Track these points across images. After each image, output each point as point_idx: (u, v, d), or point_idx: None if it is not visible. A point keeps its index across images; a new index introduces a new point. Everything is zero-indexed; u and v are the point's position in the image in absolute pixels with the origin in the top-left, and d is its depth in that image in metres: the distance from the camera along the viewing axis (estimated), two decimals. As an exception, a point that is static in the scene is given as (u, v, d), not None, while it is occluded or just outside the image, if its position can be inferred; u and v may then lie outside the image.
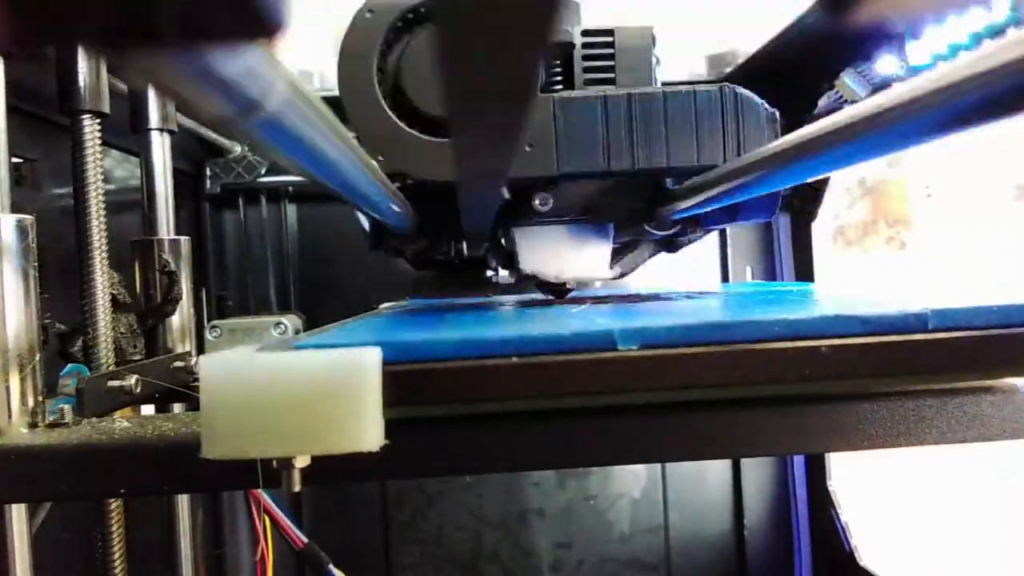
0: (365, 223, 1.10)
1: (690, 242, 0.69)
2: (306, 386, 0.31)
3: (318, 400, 0.31)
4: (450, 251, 0.69)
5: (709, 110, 0.56)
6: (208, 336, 0.99)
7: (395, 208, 0.49)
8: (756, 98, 0.57)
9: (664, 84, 0.59)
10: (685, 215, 0.58)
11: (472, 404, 0.35)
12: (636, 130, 0.55)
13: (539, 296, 0.73)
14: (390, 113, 0.54)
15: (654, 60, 0.60)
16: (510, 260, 0.66)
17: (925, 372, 0.34)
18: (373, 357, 0.31)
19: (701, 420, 0.38)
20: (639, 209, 0.61)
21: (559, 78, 0.59)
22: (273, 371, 0.31)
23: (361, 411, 0.31)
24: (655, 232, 0.63)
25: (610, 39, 0.59)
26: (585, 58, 0.59)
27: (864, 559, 0.97)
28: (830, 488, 1.04)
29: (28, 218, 0.44)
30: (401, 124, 0.55)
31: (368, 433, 0.31)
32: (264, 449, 0.31)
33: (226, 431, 0.31)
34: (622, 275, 0.69)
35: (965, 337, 0.34)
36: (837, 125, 0.31)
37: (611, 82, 0.58)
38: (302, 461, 0.32)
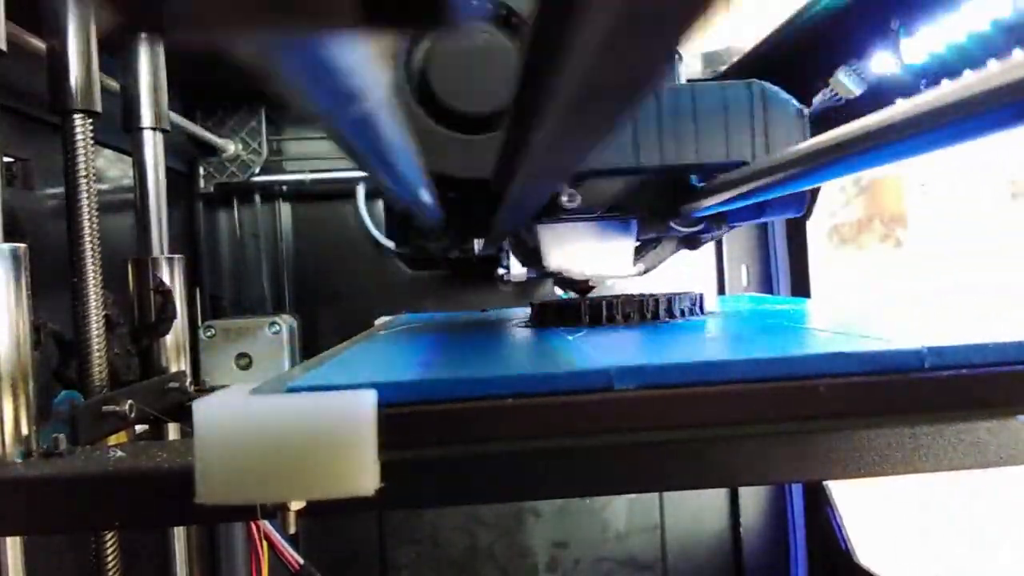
0: (371, 225, 1.09)
1: (712, 239, 0.68)
2: (301, 431, 0.30)
3: (313, 445, 0.30)
4: (471, 249, 0.67)
5: (738, 106, 0.54)
6: (202, 336, 0.99)
7: (435, 204, 0.48)
8: (784, 94, 0.56)
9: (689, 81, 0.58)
10: (710, 212, 0.57)
11: (469, 445, 0.34)
12: (665, 126, 0.54)
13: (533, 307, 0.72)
14: (420, 110, 0.51)
15: (676, 56, 0.58)
16: (533, 257, 0.65)
17: (922, 411, 0.34)
18: (368, 400, 0.31)
19: (698, 450, 0.38)
20: (664, 205, 0.60)
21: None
22: (267, 416, 0.31)
23: (357, 456, 0.31)
24: (679, 229, 0.62)
25: None
26: None
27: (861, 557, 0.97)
28: (825, 485, 1.04)
29: (21, 246, 0.43)
30: (432, 122, 0.51)
31: (364, 477, 0.31)
32: (260, 495, 0.31)
33: (221, 477, 0.30)
34: (646, 271, 0.68)
35: (962, 375, 0.33)
36: (873, 126, 0.31)
37: None
38: (297, 504, 0.32)
